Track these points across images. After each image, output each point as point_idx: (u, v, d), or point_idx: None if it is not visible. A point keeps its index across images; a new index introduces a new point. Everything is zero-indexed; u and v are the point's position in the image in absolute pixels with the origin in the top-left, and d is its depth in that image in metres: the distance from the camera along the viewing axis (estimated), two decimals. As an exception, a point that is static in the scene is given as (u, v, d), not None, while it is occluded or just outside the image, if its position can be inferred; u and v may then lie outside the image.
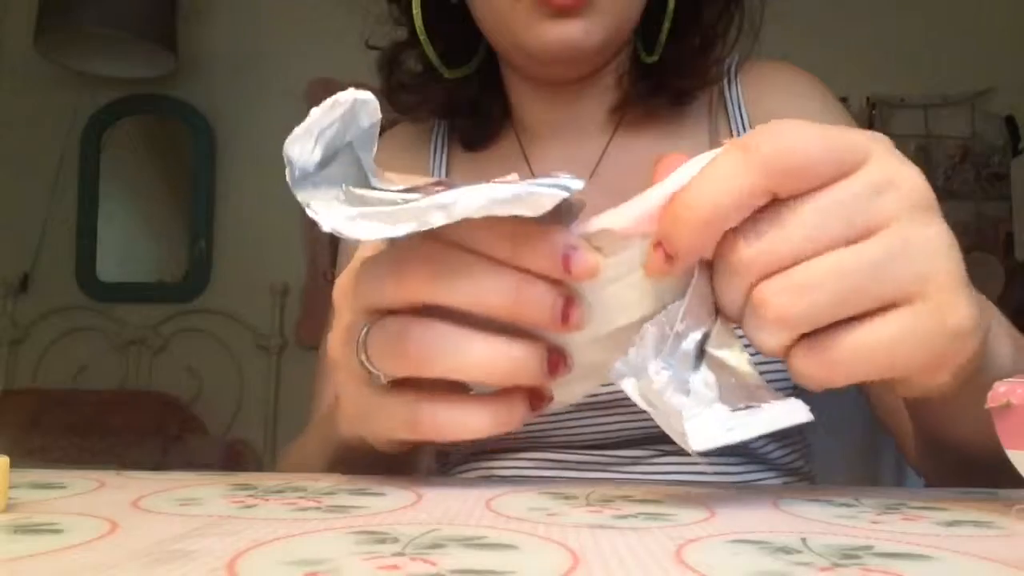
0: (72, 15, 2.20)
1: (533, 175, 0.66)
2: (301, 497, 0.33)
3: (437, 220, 0.29)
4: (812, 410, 0.66)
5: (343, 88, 0.34)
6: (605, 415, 0.57)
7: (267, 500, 0.32)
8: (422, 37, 0.63)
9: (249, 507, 0.31)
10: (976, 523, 0.29)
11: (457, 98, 0.67)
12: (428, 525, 0.27)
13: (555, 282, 0.31)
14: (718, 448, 0.61)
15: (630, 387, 0.31)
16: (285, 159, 0.31)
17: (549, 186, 0.29)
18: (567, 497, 0.33)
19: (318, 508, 0.31)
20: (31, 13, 2.28)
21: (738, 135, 0.63)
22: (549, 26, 0.56)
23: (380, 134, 0.35)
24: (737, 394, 0.31)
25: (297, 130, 0.32)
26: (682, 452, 0.58)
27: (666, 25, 0.60)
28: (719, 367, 0.32)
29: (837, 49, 2.21)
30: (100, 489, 0.35)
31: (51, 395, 2.32)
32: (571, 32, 0.56)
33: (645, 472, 0.58)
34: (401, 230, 0.30)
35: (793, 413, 0.31)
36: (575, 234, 0.31)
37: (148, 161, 2.73)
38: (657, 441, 0.58)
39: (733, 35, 0.63)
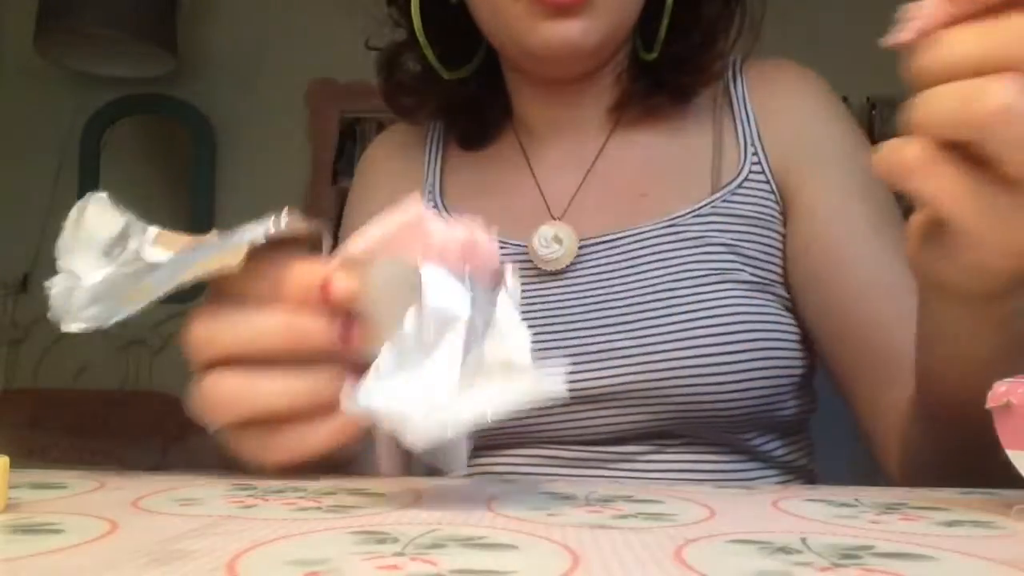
0: (72, 15, 2.20)
1: (533, 174, 0.66)
2: (301, 497, 0.33)
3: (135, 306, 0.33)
4: (816, 406, 0.65)
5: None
6: (598, 409, 0.57)
7: (267, 500, 0.32)
8: (421, 39, 0.63)
9: (249, 507, 0.31)
10: (976, 523, 0.29)
11: (456, 99, 0.67)
12: (428, 525, 0.27)
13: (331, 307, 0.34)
14: (719, 446, 0.60)
15: (354, 409, 0.31)
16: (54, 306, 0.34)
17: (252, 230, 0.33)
18: (567, 497, 0.33)
19: (318, 508, 0.31)
20: (31, 13, 2.28)
21: (744, 132, 0.62)
22: (548, 25, 0.56)
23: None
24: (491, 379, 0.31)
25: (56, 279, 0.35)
26: (680, 447, 0.58)
27: (664, 21, 0.60)
28: (494, 348, 0.32)
29: (837, 49, 2.21)
30: (100, 489, 0.35)
31: (51, 395, 2.32)
32: (570, 31, 0.56)
33: (642, 469, 0.58)
34: (122, 313, 0.33)
35: (537, 390, 0.30)
36: (334, 261, 0.34)
37: (148, 161, 2.73)
38: (653, 436, 0.58)
39: (734, 32, 0.63)
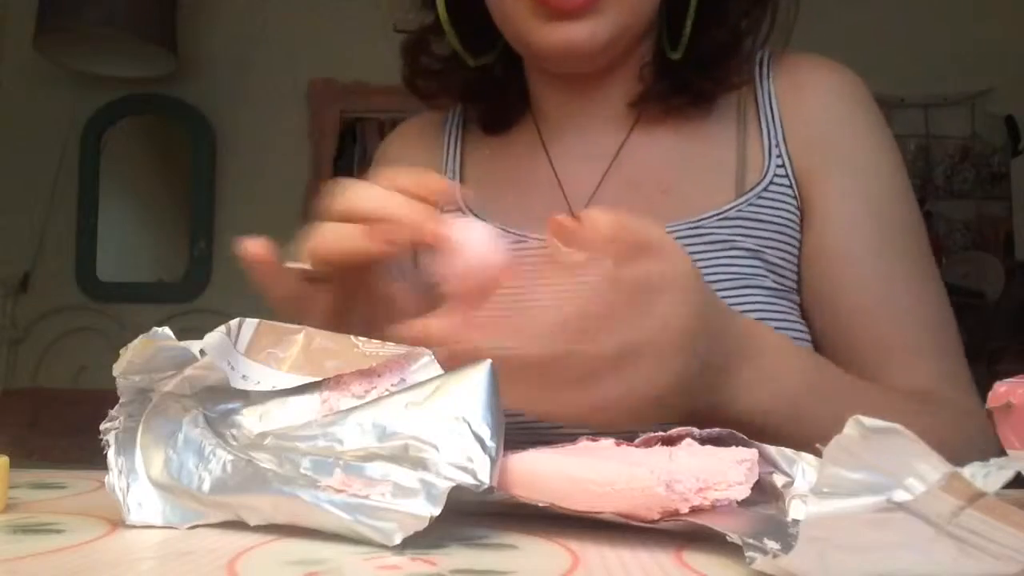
0: (72, 15, 2.19)
1: (553, 167, 0.65)
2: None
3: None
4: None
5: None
6: None
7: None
8: (446, 26, 0.62)
9: (249, 507, 0.31)
10: (976, 523, 0.29)
11: (476, 84, 0.66)
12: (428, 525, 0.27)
13: None
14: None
15: None
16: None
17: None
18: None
19: (318, 508, 0.30)
20: (31, 13, 2.28)
21: (769, 133, 0.61)
22: (552, 28, 0.54)
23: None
24: None
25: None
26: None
27: (689, 21, 0.58)
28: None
29: (837, 49, 2.20)
30: (100, 489, 0.35)
31: (51, 395, 2.32)
32: (574, 34, 0.54)
33: None
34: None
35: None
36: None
37: (148, 161, 2.72)
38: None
39: (762, 34, 0.61)
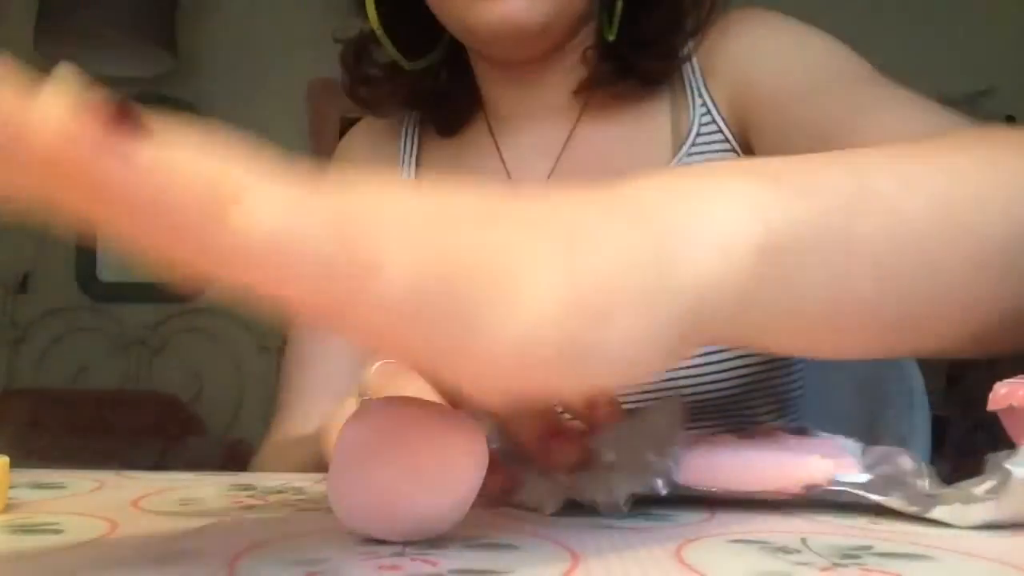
0: (72, 15, 2.20)
1: (503, 160, 0.65)
2: (301, 498, 0.33)
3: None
4: (812, 398, 0.66)
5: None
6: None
7: (267, 500, 0.32)
8: (377, 30, 0.61)
9: (249, 507, 0.31)
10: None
11: (422, 89, 0.66)
12: (428, 525, 0.27)
13: None
14: (716, 425, 0.61)
15: None
16: None
17: None
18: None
19: (318, 508, 0.31)
20: (31, 13, 2.28)
21: (691, 86, 0.60)
22: (490, 4, 0.54)
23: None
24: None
25: None
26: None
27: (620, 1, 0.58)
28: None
29: (837, 49, 2.20)
30: (100, 489, 0.35)
31: (51, 395, 2.32)
32: (512, 10, 0.54)
33: None
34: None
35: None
36: None
37: (148, 161, 2.72)
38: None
39: (704, 12, 0.60)
